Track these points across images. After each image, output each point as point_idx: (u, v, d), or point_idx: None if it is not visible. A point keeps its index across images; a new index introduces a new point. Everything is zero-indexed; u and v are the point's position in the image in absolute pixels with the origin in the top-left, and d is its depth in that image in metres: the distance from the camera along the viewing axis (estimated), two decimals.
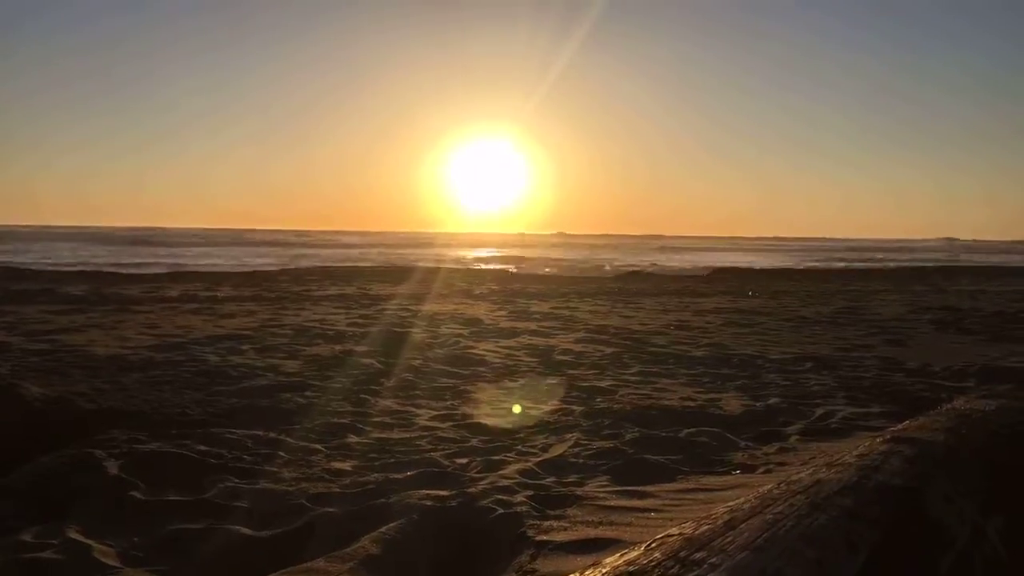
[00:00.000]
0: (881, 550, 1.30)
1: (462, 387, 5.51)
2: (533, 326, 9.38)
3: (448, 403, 5.00)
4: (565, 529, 2.66)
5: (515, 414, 4.68)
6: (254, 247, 49.46)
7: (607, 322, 9.97)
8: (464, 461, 3.63)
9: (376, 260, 33.02)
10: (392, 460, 3.61)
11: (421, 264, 27.68)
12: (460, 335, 8.28)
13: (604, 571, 1.20)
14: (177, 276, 19.10)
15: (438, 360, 6.60)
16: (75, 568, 2.38)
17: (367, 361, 6.41)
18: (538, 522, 2.73)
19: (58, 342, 7.17)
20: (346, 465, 3.53)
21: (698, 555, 1.19)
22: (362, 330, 8.58)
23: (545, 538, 2.57)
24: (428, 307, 11.60)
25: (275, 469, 3.43)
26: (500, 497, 2.97)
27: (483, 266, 30.19)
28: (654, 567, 1.17)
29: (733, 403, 5.03)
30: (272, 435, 3.97)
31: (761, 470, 3.49)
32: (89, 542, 2.54)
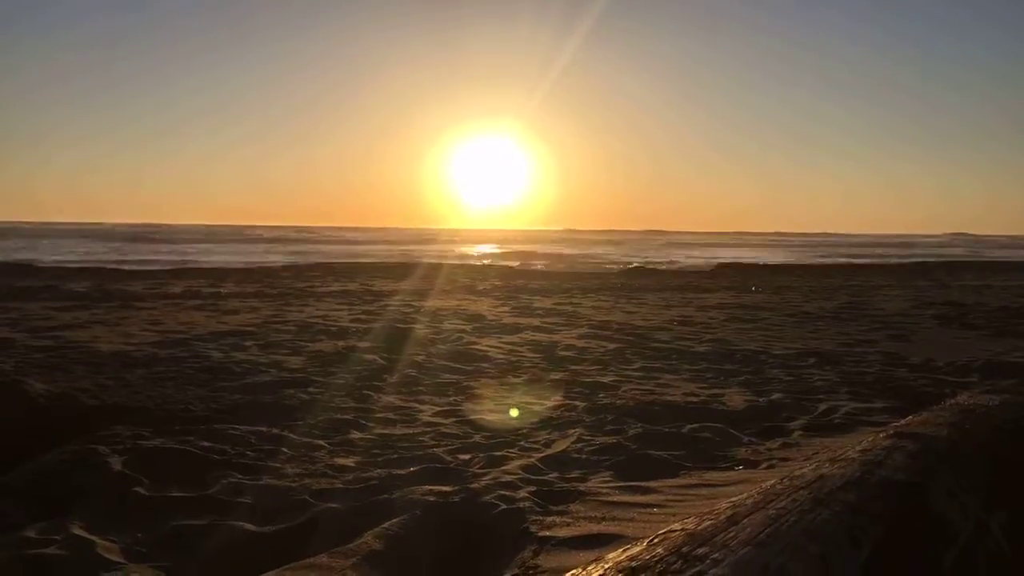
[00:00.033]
0: (884, 545, 1.30)
1: (465, 383, 5.52)
2: (536, 322, 9.38)
3: (451, 399, 5.01)
4: (568, 525, 2.66)
5: (518, 410, 4.68)
6: (256, 243, 49.52)
7: (610, 318, 9.96)
8: (467, 457, 3.63)
9: (379, 256, 33.04)
10: (395, 456, 3.62)
11: (424, 260, 27.69)
12: (463, 331, 8.28)
13: (607, 566, 1.20)
14: (180, 272, 19.12)
15: (441, 356, 6.61)
16: (78, 564, 2.39)
17: (370, 357, 6.42)
18: (541, 518, 2.73)
19: (62, 338, 7.18)
20: (349, 461, 3.53)
21: (701, 550, 1.19)
22: (365, 326, 8.58)
23: (548, 534, 2.57)
24: (431, 303, 11.61)
25: (278, 465, 3.43)
26: (503, 493, 2.97)
27: (486, 262, 30.19)
28: (656, 562, 1.17)
29: (736, 398, 5.02)
30: (275, 431, 3.98)
31: (764, 465, 3.49)
32: (93, 538, 2.55)
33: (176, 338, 7.37)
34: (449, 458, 3.59)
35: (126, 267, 21.70)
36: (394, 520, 2.66)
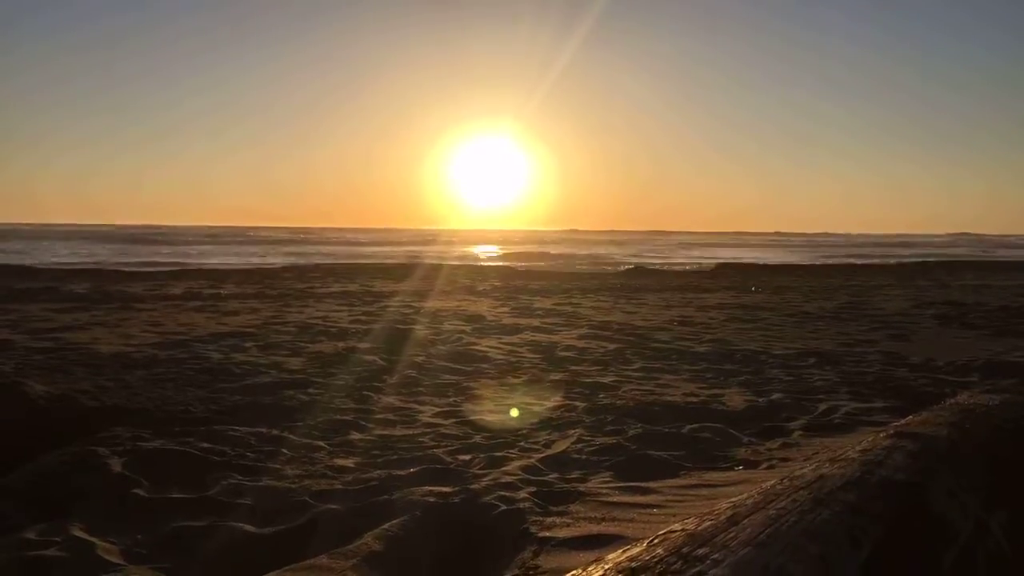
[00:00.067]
0: (884, 545, 1.30)
1: (465, 384, 5.52)
2: (536, 322, 9.38)
3: (451, 400, 5.01)
4: (568, 525, 2.66)
5: (517, 410, 4.68)
6: (257, 245, 49.52)
7: (610, 318, 9.96)
8: (467, 457, 3.63)
9: (379, 257, 33.04)
10: (395, 457, 3.62)
11: (424, 261, 27.69)
12: (463, 331, 8.28)
13: (607, 567, 1.20)
14: (180, 274, 19.12)
15: (441, 357, 6.61)
16: (78, 565, 2.38)
17: (370, 358, 6.42)
18: (541, 518, 2.73)
19: (62, 340, 7.18)
20: (349, 462, 3.53)
21: (701, 551, 1.19)
22: (365, 327, 8.58)
23: (548, 534, 2.57)
24: (431, 304, 11.61)
25: (278, 466, 3.43)
26: (503, 493, 2.97)
27: (486, 263, 30.19)
28: (657, 563, 1.17)
29: (736, 399, 5.02)
30: (275, 432, 3.98)
31: (764, 466, 3.49)
32: (92, 540, 2.55)
33: (176, 339, 7.36)
34: (449, 459, 3.59)
35: (126, 268, 21.71)
36: (394, 521, 2.66)
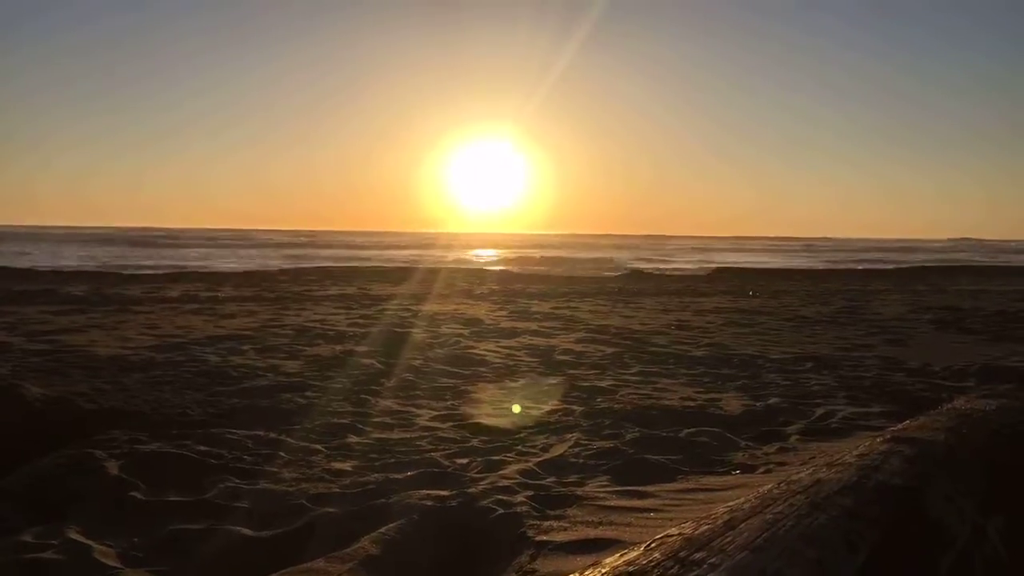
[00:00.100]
0: (881, 550, 1.30)
1: (462, 387, 5.51)
2: (534, 326, 9.38)
3: (448, 403, 5.00)
4: (565, 529, 2.66)
5: (515, 414, 4.68)
6: (255, 247, 49.50)
7: (608, 322, 9.97)
8: (464, 461, 3.62)
9: (377, 260, 33.04)
10: (392, 460, 3.61)
11: (422, 264, 27.69)
12: (461, 335, 8.28)
13: (604, 571, 1.20)
14: (178, 276, 19.11)
15: (438, 360, 6.60)
16: (75, 568, 2.38)
17: (368, 361, 6.41)
18: (538, 522, 2.72)
19: (59, 342, 7.17)
20: (346, 465, 3.53)
21: (698, 555, 1.19)
22: (363, 330, 8.58)
23: (545, 538, 2.57)
24: (429, 307, 11.61)
25: (275, 469, 3.43)
26: (500, 497, 2.96)
27: (484, 266, 30.19)
28: (654, 567, 1.17)
29: (733, 403, 5.02)
30: (272, 435, 3.97)
31: (761, 470, 3.49)
32: (89, 542, 2.54)
33: (173, 342, 7.36)
34: (446, 462, 3.59)
35: (124, 271, 21.68)
36: (391, 524, 2.66)
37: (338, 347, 7.26)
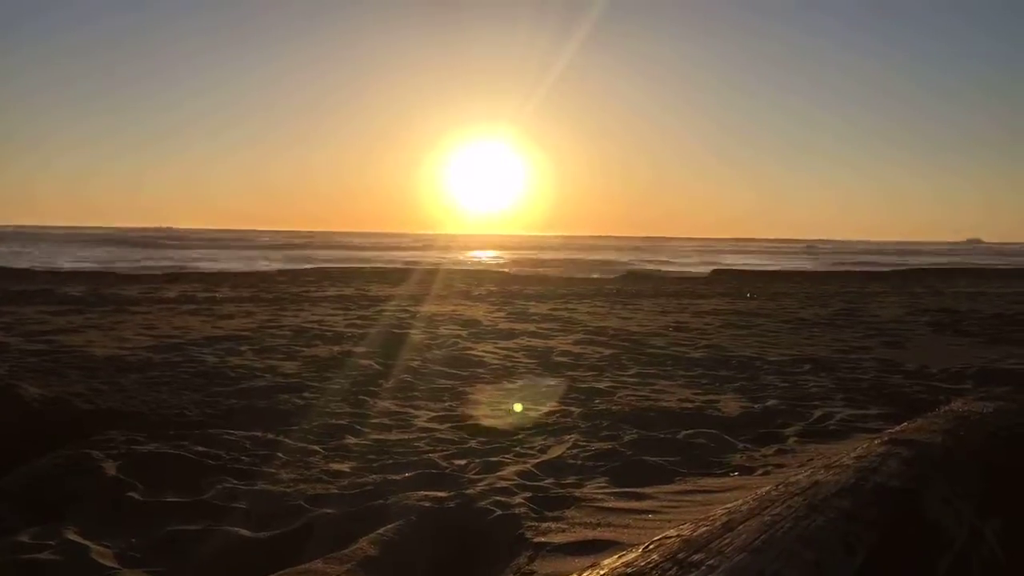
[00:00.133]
0: (879, 552, 1.30)
1: (460, 388, 5.51)
2: (532, 327, 9.38)
3: (446, 404, 5.00)
4: (563, 531, 2.66)
5: (513, 415, 4.68)
6: (253, 248, 49.47)
7: (605, 323, 9.97)
8: (462, 462, 3.62)
9: (375, 261, 33.03)
10: (390, 461, 3.61)
11: (420, 265, 27.68)
12: (458, 336, 8.28)
13: (602, 572, 1.20)
14: (175, 277, 19.09)
15: (436, 361, 6.60)
16: (72, 569, 2.38)
17: (365, 362, 6.41)
18: (536, 524, 2.72)
19: (56, 343, 7.16)
20: (344, 466, 3.53)
21: (696, 557, 1.19)
22: (360, 331, 8.58)
23: (543, 540, 2.57)
24: (426, 308, 11.60)
25: (273, 470, 3.42)
26: (498, 499, 2.96)
27: (482, 267, 30.20)
28: (652, 568, 1.17)
29: (731, 405, 5.03)
30: (270, 436, 3.97)
31: (759, 472, 3.49)
32: (87, 543, 2.54)
33: (171, 343, 7.35)
34: (444, 464, 3.58)
35: (121, 271, 21.66)
36: (389, 526, 2.66)
37: (336, 348, 7.26)
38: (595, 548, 2.45)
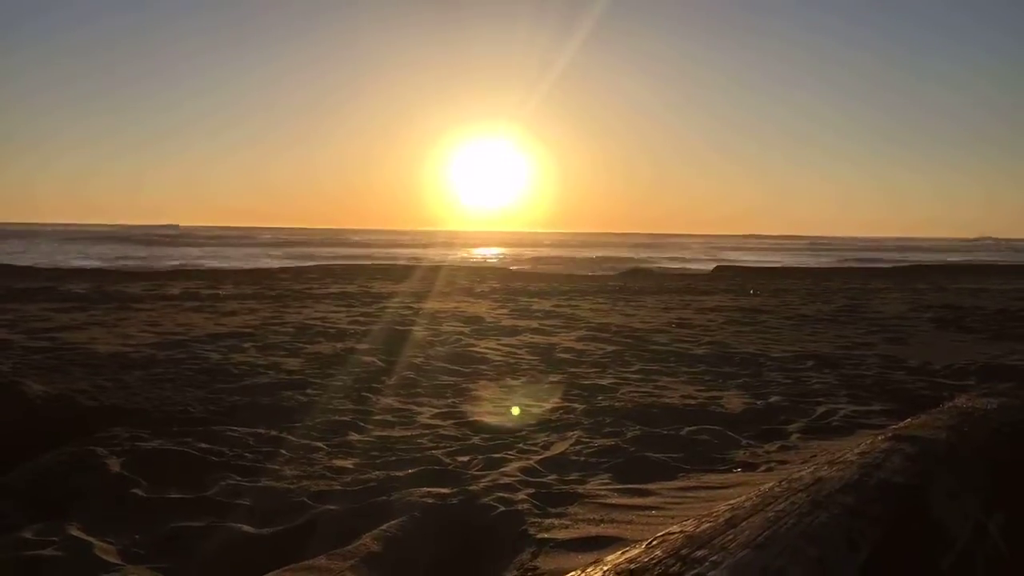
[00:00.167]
0: (883, 548, 1.30)
1: (463, 385, 5.52)
2: (534, 324, 9.38)
3: (449, 401, 5.00)
4: (566, 527, 2.66)
5: (516, 412, 4.68)
6: (256, 246, 49.52)
7: (608, 320, 9.97)
8: (465, 459, 3.63)
9: (378, 258, 33.05)
10: (393, 458, 3.62)
11: (423, 262, 27.69)
12: (461, 333, 8.28)
13: (605, 569, 1.20)
14: (178, 274, 19.11)
15: (439, 358, 6.61)
16: (76, 565, 2.38)
17: (368, 359, 6.42)
18: (539, 520, 2.73)
19: (59, 340, 7.17)
20: (347, 463, 3.53)
21: (699, 553, 1.19)
22: (363, 328, 8.58)
23: (546, 536, 2.57)
24: (429, 305, 11.61)
25: (277, 467, 3.43)
26: (501, 495, 2.97)
27: (485, 264, 30.20)
28: (655, 564, 1.17)
29: (734, 401, 5.02)
30: (274, 433, 3.98)
31: (762, 468, 3.49)
32: (90, 539, 2.55)
33: (174, 340, 7.36)
34: (448, 460, 3.59)
35: (124, 268, 21.69)
36: (392, 522, 2.66)
37: (339, 345, 7.26)
38: (598, 544, 2.46)
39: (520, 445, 3.90)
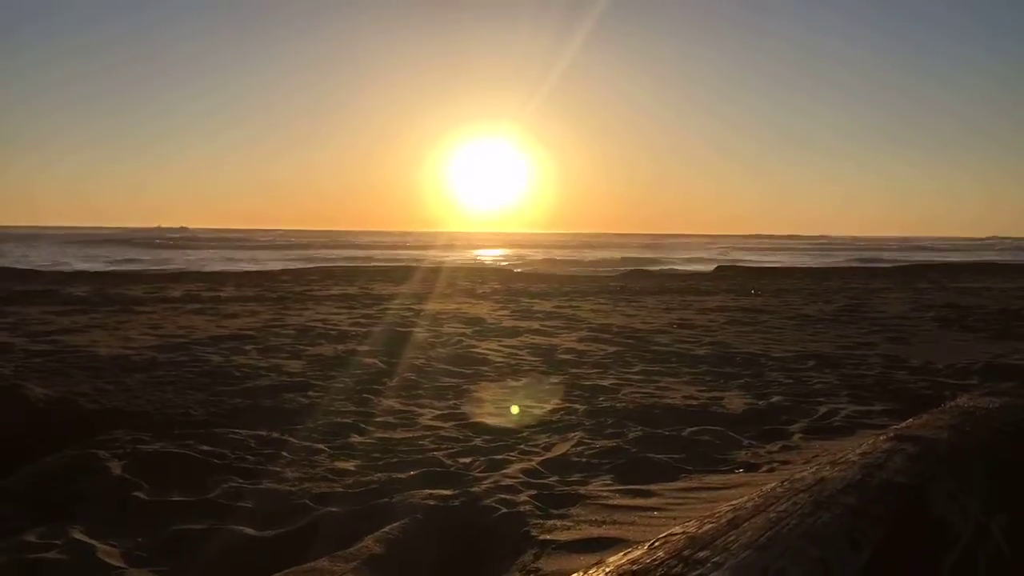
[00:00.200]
0: (885, 548, 1.30)
1: (465, 386, 5.51)
2: (536, 325, 9.38)
3: (451, 402, 5.00)
4: (568, 528, 2.66)
5: (518, 413, 4.68)
6: (257, 248, 49.56)
7: (610, 321, 9.96)
8: (467, 460, 3.63)
9: (379, 260, 33.06)
10: (395, 460, 3.62)
11: (423, 263, 27.69)
12: (463, 334, 8.28)
13: (608, 570, 1.20)
14: (180, 276, 19.12)
15: (441, 359, 6.61)
16: (79, 568, 2.38)
17: (370, 361, 6.42)
18: (541, 521, 2.73)
19: (61, 343, 7.18)
20: (349, 465, 3.53)
21: (701, 554, 1.19)
22: (365, 330, 8.58)
23: (548, 537, 2.57)
24: (430, 306, 11.61)
25: (278, 469, 3.43)
26: (503, 496, 2.97)
27: (486, 265, 30.20)
28: (657, 566, 1.17)
29: (736, 401, 5.02)
30: (275, 435, 3.98)
31: (764, 468, 3.49)
32: (93, 542, 2.55)
33: (175, 342, 7.36)
34: (449, 462, 3.59)
35: (125, 271, 21.70)
36: (394, 524, 2.66)
37: (340, 347, 7.27)
38: (600, 545, 2.46)
39: (522, 446, 3.90)
